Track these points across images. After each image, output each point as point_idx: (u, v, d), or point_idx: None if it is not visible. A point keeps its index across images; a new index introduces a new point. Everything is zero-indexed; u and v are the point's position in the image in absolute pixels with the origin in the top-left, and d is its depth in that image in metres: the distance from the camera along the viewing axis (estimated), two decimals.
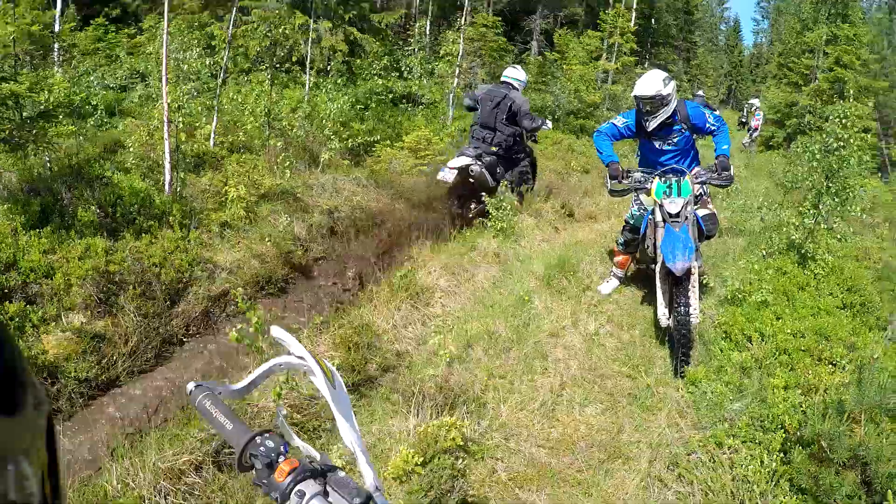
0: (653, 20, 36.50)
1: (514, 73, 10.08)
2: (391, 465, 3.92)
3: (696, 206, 6.76)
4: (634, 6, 30.35)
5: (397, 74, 17.29)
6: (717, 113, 8.59)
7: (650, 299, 7.30)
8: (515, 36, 27.82)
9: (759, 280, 8.02)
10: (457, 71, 16.27)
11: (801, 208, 9.79)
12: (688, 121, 6.93)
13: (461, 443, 4.23)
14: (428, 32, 22.72)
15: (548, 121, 10.11)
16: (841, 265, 9.36)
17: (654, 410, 5.46)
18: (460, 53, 16.22)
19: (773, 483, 4.43)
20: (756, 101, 26.84)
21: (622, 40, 26.35)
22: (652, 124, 6.85)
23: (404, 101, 17.07)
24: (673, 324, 6.08)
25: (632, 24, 28.37)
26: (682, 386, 5.82)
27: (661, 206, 6.40)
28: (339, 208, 9.04)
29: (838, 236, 10.19)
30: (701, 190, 6.92)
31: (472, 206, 9.82)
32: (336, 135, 10.44)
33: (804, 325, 7.09)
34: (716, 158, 6.65)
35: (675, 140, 7.06)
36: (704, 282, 7.44)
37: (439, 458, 4.04)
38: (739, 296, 7.52)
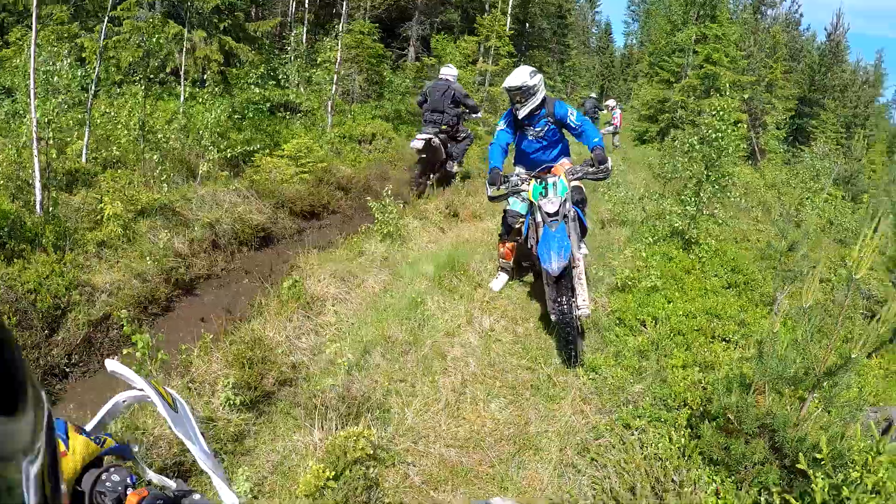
0: (527, 25, 37.11)
1: (450, 71, 12.84)
2: (301, 482, 3.74)
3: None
4: (510, 11, 30.79)
5: (274, 83, 17.00)
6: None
7: (540, 292, 7.37)
8: (393, 42, 27.78)
9: (647, 266, 8.23)
10: (335, 78, 16.10)
11: (682, 196, 10.09)
12: (553, 115, 7.18)
13: (370, 451, 4.07)
14: (305, 40, 22.41)
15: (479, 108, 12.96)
16: (723, 248, 9.68)
17: (558, 400, 5.44)
18: (338, 61, 16.03)
19: (685, 458, 4.48)
20: (612, 102, 27.74)
21: (499, 43, 26.67)
22: (522, 112, 7.11)
23: (282, 109, 16.81)
24: (557, 319, 6.13)
25: (507, 28, 28.78)
26: (583, 373, 5.82)
27: (539, 206, 6.48)
28: (221, 221, 8.72)
29: (719, 221, 10.54)
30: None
31: (428, 177, 12.30)
32: (214, 145, 10.14)
33: (694, 306, 7.28)
34: (591, 152, 6.77)
35: (543, 132, 7.29)
36: (595, 272, 7.63)
37: (351, 470, 3.89)
38: (630, 283, 7.66)
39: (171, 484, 1.33)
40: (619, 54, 74.52)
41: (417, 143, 11.88)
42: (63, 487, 0.66)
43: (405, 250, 8.47)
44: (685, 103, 25.44)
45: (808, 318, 4.13)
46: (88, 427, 1.34)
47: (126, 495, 1.21)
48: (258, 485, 3.82)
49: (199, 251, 8.01)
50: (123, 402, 1.40)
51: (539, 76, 7.14)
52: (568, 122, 7.09)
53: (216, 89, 11.98)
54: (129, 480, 1.24)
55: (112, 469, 1.25)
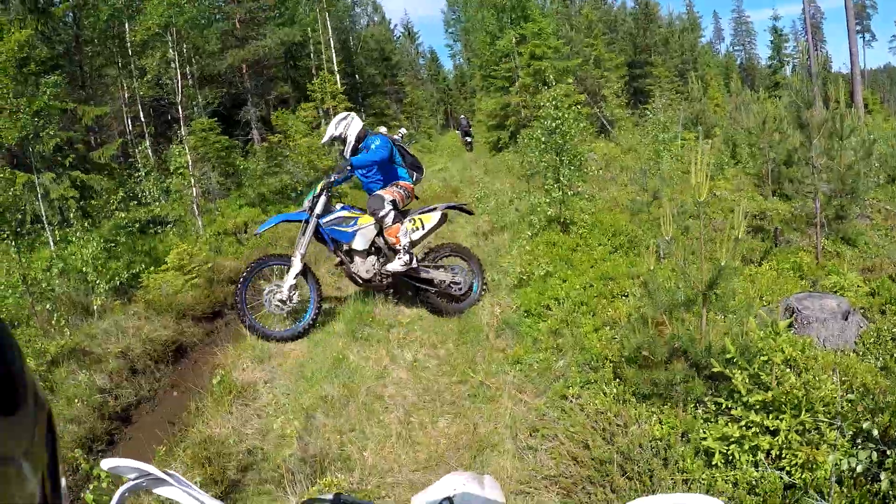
0: (356, 76, 37.78)
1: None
2: None
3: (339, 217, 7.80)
4: (336, 69, 31.35)
5: (136, 203, 16.89)
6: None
7: (443, 318, 7.85)
8: (235, 130, 27.84)
9: (535, 258, 8.67)
10: (192, 181, 16.18)
11: (546, 187, 10.60)
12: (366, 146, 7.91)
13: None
14: (151, 154, 22.32)
15: None
16: (599, 219, 10.24)
17: (497, 398, 5.74)
18: (190, 164, 16.14)
19: (622, 403, 4.88)
20: (462, 118, 29.07)
21: (335, 102, 27.15)
22: (347, 153, 8.04)
23: (151, 225, 16.77)
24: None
25: (339, 86, 29.33)
26: (511, 368, 6.17)
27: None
28: (131, 347, 8.73)
29: (587, 197, 11.12)
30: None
31: None
32: (100, 278, 10.10)
33: (588, 277, 7.76)
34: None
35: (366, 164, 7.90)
36: (490, 278, 8.29)
37: None
38: (524, 277, 8.13)
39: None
40: (451, 76, 76.04)
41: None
42: (63, 488, 0.67)
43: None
44: (525, 103, 26.25)
45: (677, 247, 4.60)
46: None
47: None
48: None
49: (121, 381, 7.99)
50: (126, 493, 1.41)
51: (343, 122, 8.03)
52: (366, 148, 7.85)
53: (85, 224, 11.89)
54: None
55: None
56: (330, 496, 1.23)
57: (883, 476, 3.23)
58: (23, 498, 0.52)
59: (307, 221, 7.65)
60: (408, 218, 7.83)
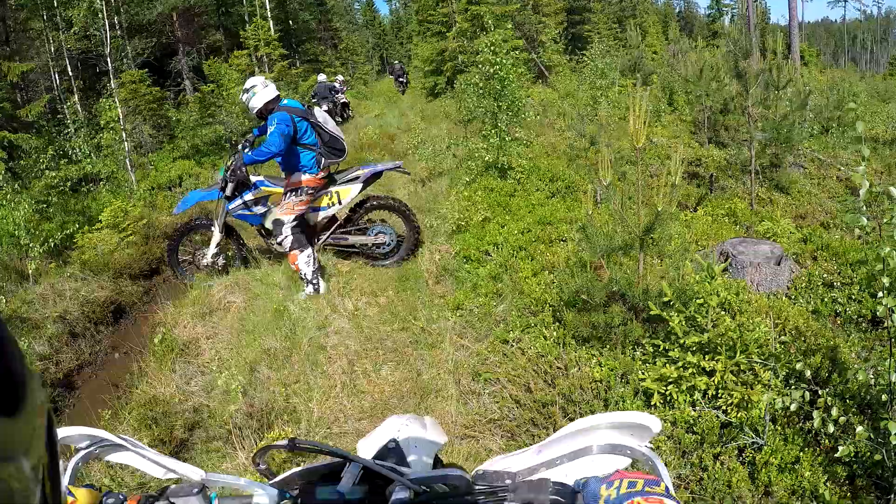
0: (290, 22, 36.98)
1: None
2: None
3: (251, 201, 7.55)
4: (269, 15, 30.62)
5: (67, 161, 16.34)
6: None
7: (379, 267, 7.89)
8: (167, 81, 27.04)
9: (473, 204, 8.65)
10: (123, 135, 15.73)
11: (483, 132, 10.58)
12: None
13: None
14: (80, 109, 21.57)
15: None
16: (536, 164, 10.28)
17: (438, 345, 5.75)
18: (121, 118, 15.65)
19: (562, 346, 4.94)
20: (396, 63, 28.61)
21: (269, 49, 26.58)
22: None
23: (83, 183, 16.27)
24: None
25: (272, 32, 28.68)
26: (451, 314, 6.20)
27: None
28: (70, 310, 8.53)
29: (524, 143, 11.13)
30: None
31: None
32: (33, 241, 9.79)
33: (526, 222, 7.80)
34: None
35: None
36: (429, 224, 8.16)
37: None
38: (462, 223, 8.09)
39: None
40: (387, 21, 75.15)
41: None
42: (64, 488, 0.64)
43: (252, 270, 8.50)
44: (463, 48, 26.03)
45: (614, 193, 4.63)
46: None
47: None
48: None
49: (61, 346, 7.80)
50: (78, 463, 1.45)
51: (246, 94, 7.28)
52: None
53: (15, 186, 11.48)
54: (121, 496, 1.34)
55: (104, 495, 1.33)
56: (284, 441, 1.24)
57: (815, 414, 3.32)
58: (23, 498, 0.51)
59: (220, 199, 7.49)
60: (325, 192, 7.45)
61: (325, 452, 1.24)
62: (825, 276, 6.32)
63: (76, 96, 22.07)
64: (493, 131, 10.20)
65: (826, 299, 5.98)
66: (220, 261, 8.00)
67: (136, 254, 10.31)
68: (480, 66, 10.75)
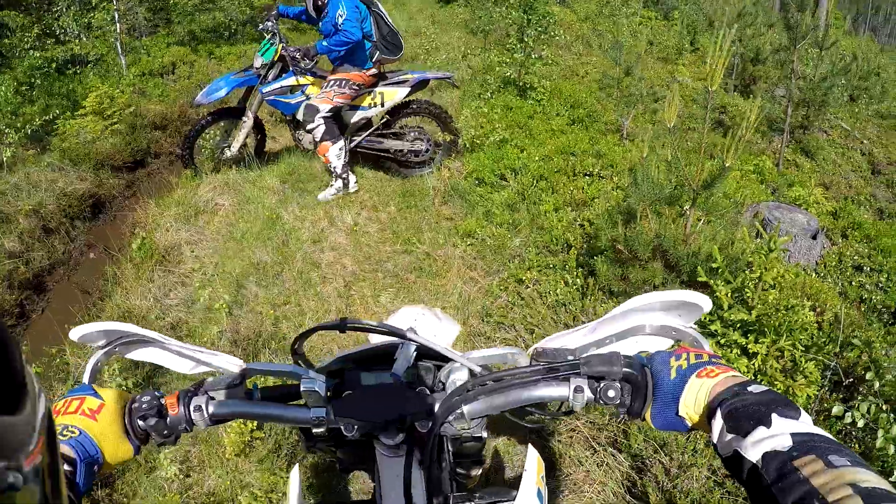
0: None
1: None
2: (227, 444, 3.53)
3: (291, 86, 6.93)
4: None
5: (54, 41, 15.54)
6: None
7: (385, 172, 7.36)
8: None
9: (490, 122, 8.11)
10: (116, 16, 14.87)
11: (507, 45, 10.03)
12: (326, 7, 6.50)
13: None
14: None
15: None
16: (559, 87, 9.75)
17: (443, 274, 5.33)
18: None
19: (587, 297, 4.52)
20: None
21: None
22: (309, 5, 6.80)
23: (70, 65, 15.48)
24: None
25: None
26: (460, 241, 5.76)
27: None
28: (44, 203, 7.96)
29: (548, 62, 10.60)
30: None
31: None
32: (10, 126, 9.16)
33: (547, 149, 7.30)
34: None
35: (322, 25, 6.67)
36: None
37: None
38: (477, 141, 7.55)
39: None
40: None
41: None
42: (64, 488, 0.58)
43: (244, 171, 7.94)
44: None
45: (675, 138, 4.18)
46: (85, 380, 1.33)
47: (165, 405, 1.24)
48: (184, 461, 3.59)
49: (33, 242, 7.28)
50: (98, 363, 1.36)
51: None
52: (331, 17, 6.42)
53: None
54: (156, 394, 1.24)
55: (136, 396, 1.25)
56: (335, 321, 1.27)
57: (848, 416, 3.17)
58: (23, 498, 0.50)
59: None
60: (370, 91, 6.87)
61: (380, 331, 1.26)
62: (855, 258, 6.02)
63: None
64: (518, 45, 9.61)
65: (854, 283, 5.69)
66: (241, 151, 7.55)
67: (121, 143, 9.68)
68: None
